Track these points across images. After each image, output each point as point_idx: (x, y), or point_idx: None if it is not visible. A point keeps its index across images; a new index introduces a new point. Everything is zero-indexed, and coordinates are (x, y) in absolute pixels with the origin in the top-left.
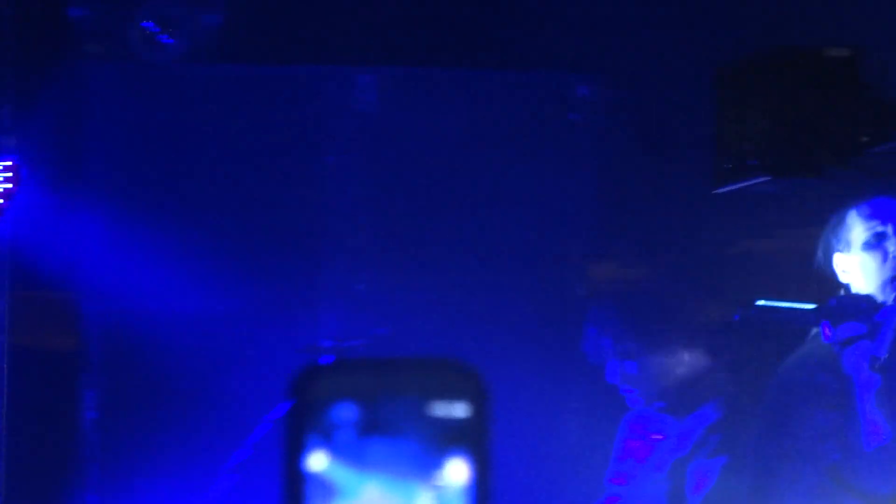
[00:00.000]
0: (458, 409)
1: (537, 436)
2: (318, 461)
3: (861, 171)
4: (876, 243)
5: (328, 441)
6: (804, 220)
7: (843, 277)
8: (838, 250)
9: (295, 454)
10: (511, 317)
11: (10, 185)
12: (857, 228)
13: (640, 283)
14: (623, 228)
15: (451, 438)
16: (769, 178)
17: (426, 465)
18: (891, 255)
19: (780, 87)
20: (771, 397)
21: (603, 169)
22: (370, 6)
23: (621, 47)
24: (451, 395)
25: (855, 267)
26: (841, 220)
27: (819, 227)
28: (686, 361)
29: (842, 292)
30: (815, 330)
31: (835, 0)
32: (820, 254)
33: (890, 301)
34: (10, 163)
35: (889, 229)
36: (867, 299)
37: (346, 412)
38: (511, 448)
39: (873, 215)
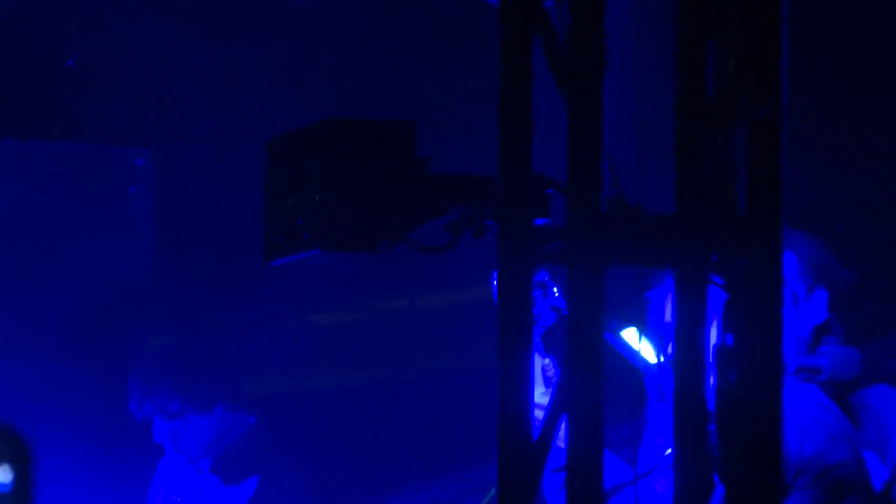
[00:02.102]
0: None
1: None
2: None
3: (414, 245)
4: None
5: None
6: (365, 293)
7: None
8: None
9: None
10: (63, 384)
11: None
12: None
13: (193, 350)
14: (180, 297)
15: None
16: (321, 252)
17: None
18: None
19: (333, 159)
20: None
21: (160, 239)
22: None
23: (177, 119)
24: None
25: None
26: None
27: (376, 299)
28: (229, 427)
29: None
30: None
31: (388, 75)
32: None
33: None
34: None
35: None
36: None
37: None
38: None
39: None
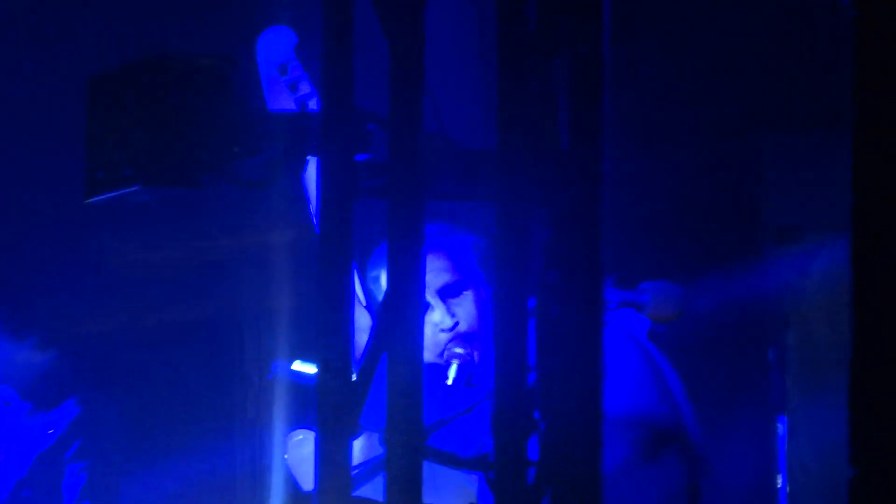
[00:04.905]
0: None
1: None
2: None
3: (236, 181)
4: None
5: None
6: (191, 230)
7: None
8: None
9: None
10: None
11: None
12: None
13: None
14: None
15: None
16: (142, 188)
17: None
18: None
19: (154, 96)
20: None
21: None
22: None
23: None
24: None
25: None
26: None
27: (200, 237)
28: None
29: None
30: None
31: (206, 10)
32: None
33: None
34: None
35: (381, 274)
36: None
37: None
38: None
39: (373, 264)
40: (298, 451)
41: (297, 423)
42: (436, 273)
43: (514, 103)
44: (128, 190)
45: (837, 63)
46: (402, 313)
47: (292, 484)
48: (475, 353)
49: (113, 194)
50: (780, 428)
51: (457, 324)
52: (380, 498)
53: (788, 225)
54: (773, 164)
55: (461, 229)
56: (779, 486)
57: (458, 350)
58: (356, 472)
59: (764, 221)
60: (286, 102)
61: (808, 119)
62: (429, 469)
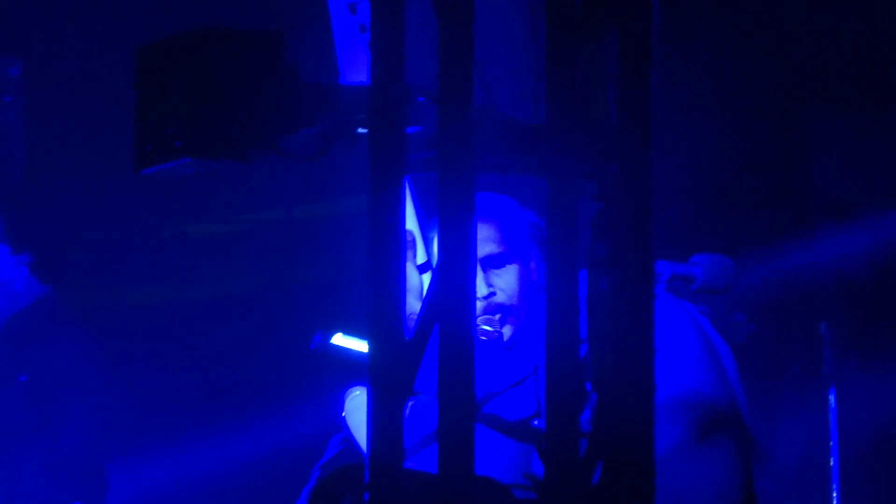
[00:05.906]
0: None
1: None
2: None
3: (285, 154)
4: None
5: None
6: (242, 203)
7: None
8: None
9: None
10: None
11: None
12: None
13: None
14: (53, 208)
15: None
16: (191, 160)
17: None
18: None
19: (203, 68)
20: None
21: (34, 149)
22: None
23: (50, 29)
24: None
25: None
26: None
27: (252, 210)
28: None
29: None
30: None
31: None
32: None
33: None
34: None
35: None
36: None
37: None
38: None
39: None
40: (358, 411)
41: (341, 390)
42: (481, 242)
43: (564, 76)
44: (177, 163)
45: (888, 39)
46: (453, 285)
47: (351, 446)
48: (504, 331)
49: (163, 167)
50: (832, 400)
51: (492, 294)
52: (432, 471)
53: (839, 200)
54: (824, 139)
55: (519, 205)
56: (830, 457)
57: (487, 328)
58: (407, 444)
59: (815, 197)
60: (356, 44)
61: (858, 95)
62: (484, 442)
